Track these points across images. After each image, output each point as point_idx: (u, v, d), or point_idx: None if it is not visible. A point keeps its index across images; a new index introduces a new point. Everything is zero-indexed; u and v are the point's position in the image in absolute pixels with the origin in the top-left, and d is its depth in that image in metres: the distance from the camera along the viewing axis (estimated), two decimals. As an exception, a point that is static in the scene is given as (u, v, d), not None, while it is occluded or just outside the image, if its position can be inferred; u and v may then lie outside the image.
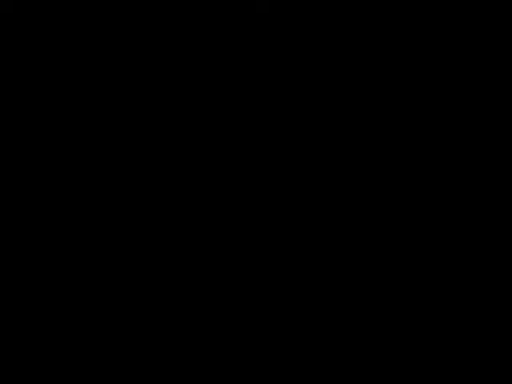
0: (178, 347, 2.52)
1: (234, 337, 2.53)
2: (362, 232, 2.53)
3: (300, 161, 2.55)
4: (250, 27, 2.54)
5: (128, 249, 2.54)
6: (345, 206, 2.54)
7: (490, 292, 2.50)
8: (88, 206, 2.54)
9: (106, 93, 2.55)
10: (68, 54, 2.56)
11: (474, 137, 2.54)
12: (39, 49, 2.56)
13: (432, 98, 2.54)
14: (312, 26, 2.55)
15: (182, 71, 2.57)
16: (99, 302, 2.52)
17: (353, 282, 2.52)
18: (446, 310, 2.50)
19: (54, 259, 2.53)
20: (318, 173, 2.54)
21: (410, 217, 2.53)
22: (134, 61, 2.56)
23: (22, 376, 2.51)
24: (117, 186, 2.55)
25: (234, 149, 2.56)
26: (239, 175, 2.55)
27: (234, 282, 2.53)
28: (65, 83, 2.56)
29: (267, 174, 2.55)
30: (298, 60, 2.56)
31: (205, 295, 2.53)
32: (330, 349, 2.51)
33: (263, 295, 2.53)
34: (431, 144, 2.54)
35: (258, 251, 2.54)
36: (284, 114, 2.56)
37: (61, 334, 2.51)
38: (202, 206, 2.55)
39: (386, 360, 2.50)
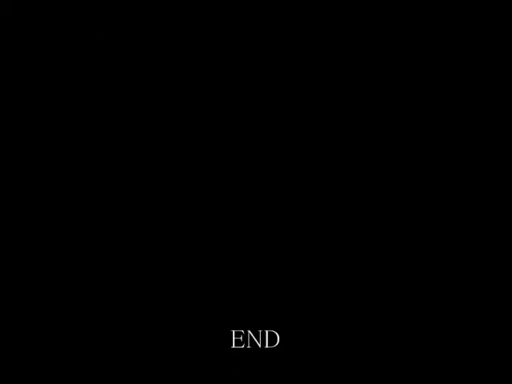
0: (177, 347, 2.53)
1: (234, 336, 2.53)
2: (362, 231, 2.54)
3: (298, 160, 2.56)
4: (250, 28, 2.55)
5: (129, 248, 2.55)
6: (344, 206, 2.55)
7: (490, 292, 2.50)
8: (91, 206, 2.55)
9: (106, 93, 2.56)
10: (67, 56, 2.57)
11: (474, 136, 2.54)
12: (38, 51, 2.56)
13: (431, 98, 2.55)
14: (310, 29, 2.56)
15: (184, 72, 2.57)
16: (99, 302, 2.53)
17: (353, 282, 2.53)
18: (446, 310, 2.51)
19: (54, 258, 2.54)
20: (317, 171, 2.55)
21: (410, 217, 2.54)
22: (133, 62, 2.57)
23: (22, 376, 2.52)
24: (118, 185, 2.56)
25: (233, 148, 2.57)
26: (239, 174, 2.56)
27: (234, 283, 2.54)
28: (64, 84, 2.56)
29: (267, 173, 2.56)
30: (297, 60, 2.56)
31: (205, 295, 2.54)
32: (330, 349, 2.51)
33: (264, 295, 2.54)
34: (431, 144, 2.55)
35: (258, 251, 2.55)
36: (284, 113, 2.56)
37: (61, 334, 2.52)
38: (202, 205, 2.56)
39: (385, 360, 2.51)
